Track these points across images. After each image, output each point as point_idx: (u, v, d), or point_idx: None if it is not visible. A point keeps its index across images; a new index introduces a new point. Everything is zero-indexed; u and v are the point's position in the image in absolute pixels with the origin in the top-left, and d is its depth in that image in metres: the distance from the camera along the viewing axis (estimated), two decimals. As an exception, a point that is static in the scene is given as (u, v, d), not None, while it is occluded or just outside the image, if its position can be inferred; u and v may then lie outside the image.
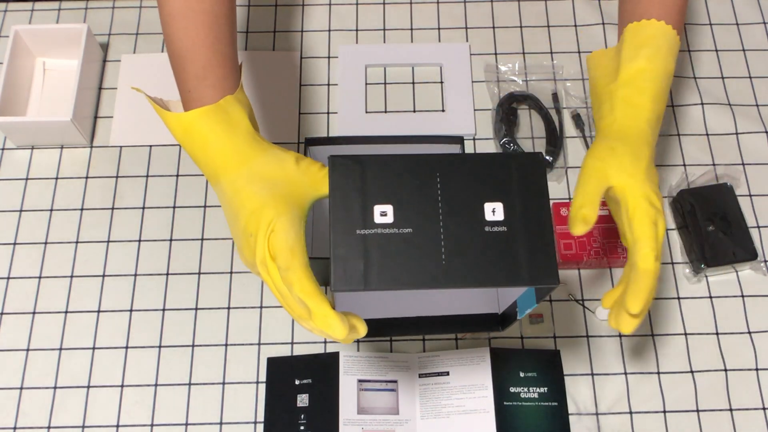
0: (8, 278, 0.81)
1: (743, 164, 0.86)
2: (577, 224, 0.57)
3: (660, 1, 0.64)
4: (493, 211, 0.48)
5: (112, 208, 0.84)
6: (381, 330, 0.70)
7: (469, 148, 0.86)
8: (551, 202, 0.82)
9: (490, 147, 0.87)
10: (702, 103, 0.89)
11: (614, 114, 0.63)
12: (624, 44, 0.64)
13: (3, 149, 0.87)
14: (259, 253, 0.53)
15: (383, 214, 0.49)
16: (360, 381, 0.74)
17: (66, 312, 0.79)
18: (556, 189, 0.84)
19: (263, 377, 0.76)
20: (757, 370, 0.76)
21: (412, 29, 0.94)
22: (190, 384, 0.76)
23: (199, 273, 0.81)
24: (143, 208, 0.84)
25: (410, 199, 0.48)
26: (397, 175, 0.49)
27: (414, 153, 0.52)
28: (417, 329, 0.71)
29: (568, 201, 0.83)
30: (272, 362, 0.76)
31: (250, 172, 0.56)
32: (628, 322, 0.56)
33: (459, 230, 0.48)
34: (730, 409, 0.75)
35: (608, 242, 0.79)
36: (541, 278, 0.48)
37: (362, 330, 0.52)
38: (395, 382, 0.75)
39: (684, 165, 0.86)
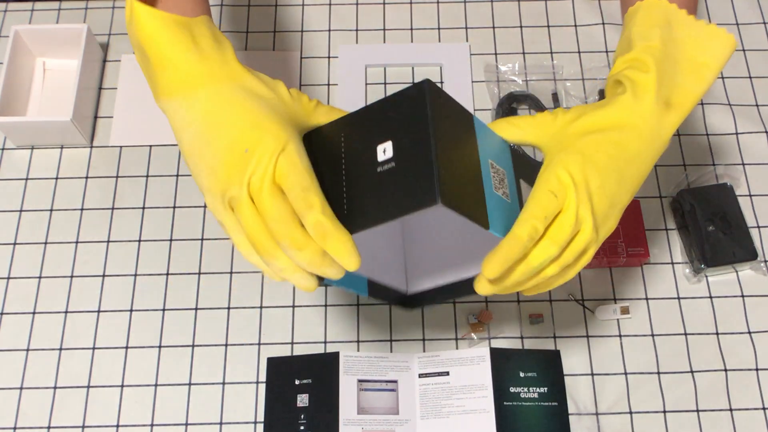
0: (8, 278, 0.81)
1: (743, 164, 0.86)
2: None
3: None
4: (384, 151, 0.48)
5: (112, 208, 0.84)
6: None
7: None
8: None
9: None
10: (702, 103, 0.89)
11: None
12: (636, 19, 0.57)
13: (3, 149, 0.87)
14: (260, 171, 0.45)
15: None
16: (360, 381, 0.74)
17: (66, 312, 0.79)
18: (556, 189, 0.84)
19: (263, 377, 0.76)
20: (757, 370, 0.76)
21: (412, 29, 0.94)
22: (190, 384, 0.76)
23: (199, 273, 0.81)
24: (143, 208, 0.84)
25: (321, 160, 0.49)
26: (324, 144, 0.50)
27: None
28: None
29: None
30: (272, 362, 0.76)
31: (243, 87, 0.49)
32: (482, 285, 0.50)
33: (357, 178, 0.48)
34: (730, 409, 0.75)
35: (608, 242, 0.79)
36: (423, 201, 0.46)
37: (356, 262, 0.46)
38: (395, 382, 0.75)
39: (684, 165, 0.86)
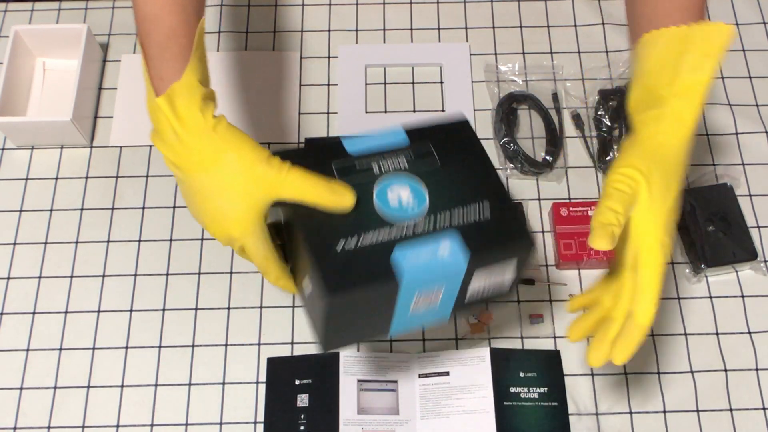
0: (8, 278, 0.81)
1: (743, 164, 0.86)
2: (603, 239, 0.53)
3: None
4: (308, 286, 0.56)
5: (112, 208, 0.84)
6: None
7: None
8: (551, 202, 0.82)
9: (490, 147, 0.87)
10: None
11: (660, 126, 0.57)
12: (691, 46, 0.58)
13: (3, 149, 0.87)
14: (237, 249, 0.58)
15: None
16: (360, 381, 0.74)
17: (66, 312, 0.79)
18: (555, 189, 0.84)
19: (263, 377, 0.76)
20: (757, 370, 0.76)
21: (412, 29, 0.94)
22: (190, 384, 0.76)
23: (199, 273, 0.81)
24: (143, 208, 0.84)
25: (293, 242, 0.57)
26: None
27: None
28: None
29: (568, 201, 0.83)
30: (272, 362, 0.76)
31: (216, 175, 0.54)
32: (602, 362, 0.57)
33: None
34: (730, 409, 0.75)
35: (608, 242, 0.79)
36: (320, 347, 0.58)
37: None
38: (395, 382, 0.75)
39: (684, 165, 0.86)
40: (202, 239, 0.82)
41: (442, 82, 0.91)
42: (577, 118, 0.88)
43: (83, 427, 0.74)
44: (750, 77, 0.91)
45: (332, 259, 0.52)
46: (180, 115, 0.54)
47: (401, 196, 0.56)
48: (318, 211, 0.54)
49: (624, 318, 0.56)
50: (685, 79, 0.57)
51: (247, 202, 0.54)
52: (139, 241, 0.82)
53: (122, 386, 0.76)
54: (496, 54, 0.93)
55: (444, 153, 0.60)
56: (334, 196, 0.54)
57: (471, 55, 0.92)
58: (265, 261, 0.57)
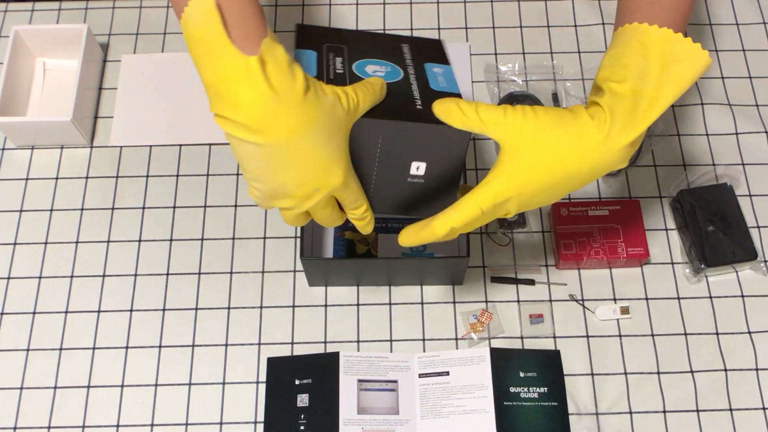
0: (8, 278, 0.81)
1: (743, 164, 0.86)
2: (440, 106, 0.55)
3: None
4: (417, 168, 0.58)
5: (112, 208, 0.84)
6: None
7: (469, 148, 0.86)
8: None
9: (490, 147, 0.87)
10: (702, 103, 0.89)
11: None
12: (653, 52, 0.56)
13: (3, 149, 0.87)
14: (324, 200, 0.56)
15: None
16: (360, 381, 0.74)
17: (66, 312, 0.79)
18: (556, 189, 0.84)
19: (263, 377, 0.76)
20: (757, 370, 0.76)
21: (412, 29, 0.94)
22: (190, 384, 0.76)
23: (199, 273, 0.81)
24: (143, 208, 0.84)
25: (358, 147, 0.56)
26: (363, 137, 0.57)
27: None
28: None
29: (568, 201, 0.83)
30: (272, 362, 0.76)
31: (312, 125, 0.52)
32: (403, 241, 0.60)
33: (387, 176, 0.58)
34: (730, 409, 0.75)
35: (608, 242, 0.79)
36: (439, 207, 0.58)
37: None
38: (395, 382, 0.75)
39: (684, 165, 0.86)
40: (202, 239, 0.82)
41: (442, 82, 0.91)
42: (577, 118, 0.88)
43: (83, 427, 0.74)
44: (750, 77, 0.91)
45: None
46: (271, 79, 0.50)
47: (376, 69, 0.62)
48: None
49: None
50: (655, 84, 0.55)
51: (342, 148, 0.54)
52: (139, 241, 0.82)
53: (122, 386, 0.76)
54: (496, 54, 0.93)
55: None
56: (382, 93, 0.57)
57: (471, 55, 0.92)
58: (361, 198, 0.57)
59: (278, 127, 0.51)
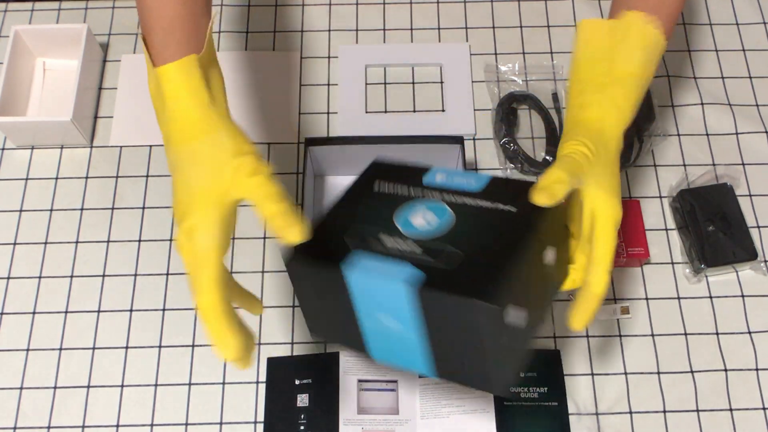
0: (8, 278, 0.81)
1: (743, 164, 0.86)
2: (543, 193, 0.52)
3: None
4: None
5: (112, 208, 0.84)
6: None
7: (469, 148, 0.86)
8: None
9: (490, 147, 0.87)
10: (702, 103, 0.89)
11: (599, 110, 0.59)
12: (624, 37, 0.60)
13: (3, 149, 0.87)
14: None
15: None
16: (360, 381, 0.74)
17: (66, 312, 0.79)
18: (556, 189, 0.84)
19: (263, 377, 0.76)
20: (757, 370, 0.76)
21: (412, 29, 0.94)
22: (190, 384, 0.76)
23: (199, 273, 0.81)
24: (143, 208, 0.84)
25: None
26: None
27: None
28: None
29: (568, 201, 0.83)
30: (272, 362, 0.76)
31: (186, 154, 0.55)
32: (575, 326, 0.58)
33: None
34: (730, 409, 0.75)
35: (608, 242, 0.79)
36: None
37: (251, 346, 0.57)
38: (395, 382, 0.75)
39: (684, 165, 0.86)
40: (202, 239, 0.82)
41: (442, 82, 0.91)
42: (577, 118, 0.88)
43: (83, 427, 0.74)
44: (750, 77, 0.91)
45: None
46: (193, 84, 0.55)
47: (425, 218, 0.54)
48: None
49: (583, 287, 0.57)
50: (621, 67, 0.60)
51: (218, 181, 0.54)
52: (139, 241, 0.82)
53: (122, 386, 0.76)
54: (496, 54, 0.93)
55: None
56: (285, 223, 0.53)
57: (471, 55, 0.92)
58: (207, 253, 0.52)
59: (181, 127, 0.55)
